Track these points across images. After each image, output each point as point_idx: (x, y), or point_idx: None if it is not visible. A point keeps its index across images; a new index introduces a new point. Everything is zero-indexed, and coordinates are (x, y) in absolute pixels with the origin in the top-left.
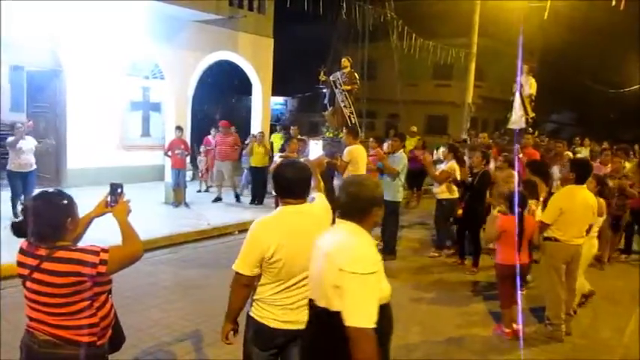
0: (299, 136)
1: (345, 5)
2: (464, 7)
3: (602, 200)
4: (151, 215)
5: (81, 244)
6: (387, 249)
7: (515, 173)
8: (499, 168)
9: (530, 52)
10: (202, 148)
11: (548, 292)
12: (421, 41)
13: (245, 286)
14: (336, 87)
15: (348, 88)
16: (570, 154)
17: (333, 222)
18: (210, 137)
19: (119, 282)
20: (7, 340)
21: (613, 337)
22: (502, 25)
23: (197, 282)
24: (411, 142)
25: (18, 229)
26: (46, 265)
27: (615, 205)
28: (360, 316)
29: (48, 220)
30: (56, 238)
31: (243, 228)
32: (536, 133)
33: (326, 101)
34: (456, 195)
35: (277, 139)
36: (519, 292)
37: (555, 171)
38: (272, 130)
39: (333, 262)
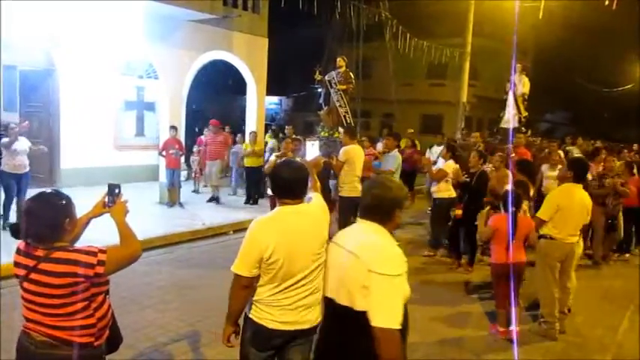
0: (294, 136)
1: (339, 5)
2: (458, 6)
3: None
4: (146, 215)
5: (78, 245)
6: None
7: (510, 173)
8: (495, 168)
9: (523, 51)
10: (195, 148)
11: (542, 291)
12: (416, 41)
13: (245, 288)
14: (331, 86)
15: (343, 87)
16: (562, 153)
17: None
18: (203, 137)
19: (114, 282)
20: (7, 341)
21: (606, 335)
22: (496, 25)
23: (192, 282)
24: (402, 142)
25: (16, 231)
26: (43, 266)
27: (610, 204)
28: (388, 316)
29: (46, 221)
30: (54, 238)
31: (237, 228)
32: (529, 132)
33: (321, 101)
34: (453, 194)
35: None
36: (512, 292)
37: (545, 170)
38: (267, 130)
39: (361, 262)
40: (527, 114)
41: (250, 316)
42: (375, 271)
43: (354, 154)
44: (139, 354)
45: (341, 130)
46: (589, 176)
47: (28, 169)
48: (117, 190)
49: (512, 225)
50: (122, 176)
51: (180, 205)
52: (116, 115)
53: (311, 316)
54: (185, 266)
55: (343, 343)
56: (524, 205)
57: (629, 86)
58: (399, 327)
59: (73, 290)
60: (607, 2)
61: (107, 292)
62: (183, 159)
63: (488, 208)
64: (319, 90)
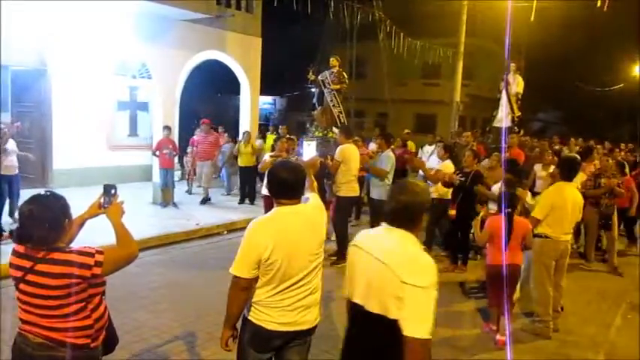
0: (288, 136)
1: (333, 4)
2: (452, 6)
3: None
4: (140, 216)
5: (74, 246)
6: None
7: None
8: (491, 168)
9: (517, 50)
10: (189, 149)
11: (536, 289)
12: (409, 40)
13: (244, 289)
14: (325, 86)
15: (337, 87)
16: (550, 152)
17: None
18: (195, 137)
19: (108, 283)
20: (6, 340)
21: (599, 334)
22: (490, 25)
23: (186, 282)
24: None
25: (19, 236)
26: (40, 267)
27: (604, 204)
28: (421, 326)
29: (49, 224)
30: (55, 240)
31: (231, 228)
32: (522, 132)
33: (315, 100)
34: (448, 196)
35: (270, 140)
36: (506, 298)
37: (538, 169)
38: (260, 130)
39: (393, 272)
40: (520, 113)
41: (249, 317)
42: (408, 282)
43: (350, 153)
44: (132, 355)
45: (335, 129)
46: (584, 176)
47: (17, 171)
48: (113, 191)
49: (508, 226)
50: (115, 176)
51: (174, 205)
52: (109, 116)
53: (310, 317)
54: (179, 266)
55: (376, 349)
56: (527, 197)
57: (621, 85)
58: (429, 337)
59: (70, 291)
60: (599, 3)
61: (103, 293)
62: (177, 159)
63: (482, 213)
64: (313, 90)
